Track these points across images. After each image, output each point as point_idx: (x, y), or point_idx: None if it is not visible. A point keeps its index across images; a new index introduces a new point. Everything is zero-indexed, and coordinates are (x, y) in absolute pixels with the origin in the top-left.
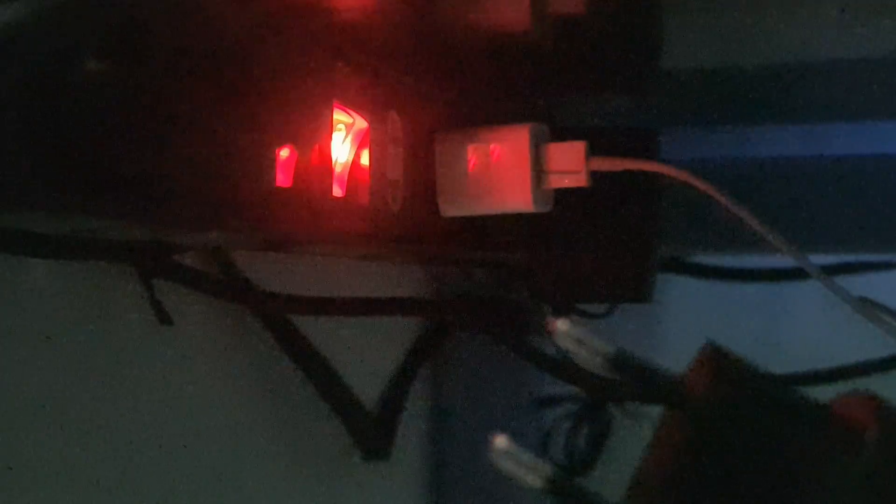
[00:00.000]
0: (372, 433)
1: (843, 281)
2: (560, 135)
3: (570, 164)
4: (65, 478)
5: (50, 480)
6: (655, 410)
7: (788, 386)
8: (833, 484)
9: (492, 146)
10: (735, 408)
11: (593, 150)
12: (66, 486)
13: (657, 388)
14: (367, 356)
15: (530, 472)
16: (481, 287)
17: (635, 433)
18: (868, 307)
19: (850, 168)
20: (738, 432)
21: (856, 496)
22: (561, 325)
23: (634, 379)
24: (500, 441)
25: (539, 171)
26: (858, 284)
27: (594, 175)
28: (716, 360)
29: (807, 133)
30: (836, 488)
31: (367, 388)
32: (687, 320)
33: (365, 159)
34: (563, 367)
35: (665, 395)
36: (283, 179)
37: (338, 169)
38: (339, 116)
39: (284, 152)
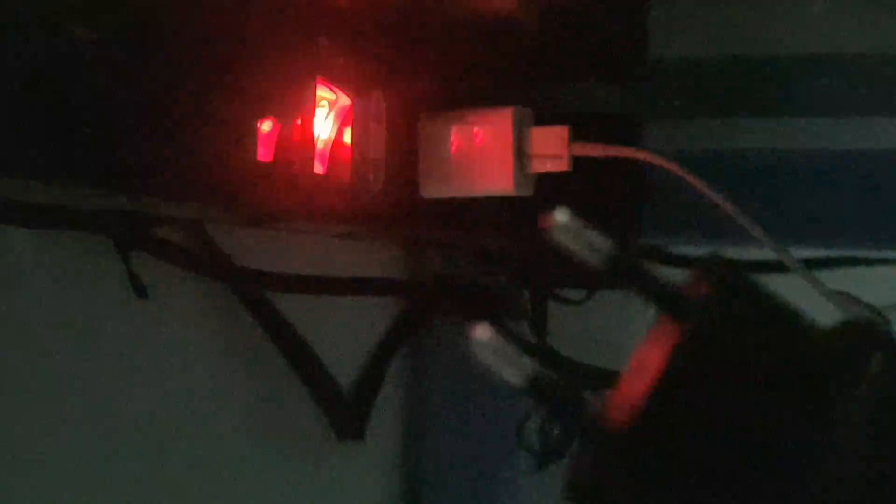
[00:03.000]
0: (347, 413)
1: (824, 275)
2: (544, 119)
3: (552, 148)
4: (39, 447)
5: (25, 449)
6: None
7: (792, 306)
8: (829, 411)
9: (475, 129)
10: (734, 320)
11: (577, 136)
12: (39, 455)
13: (654, 293)
14: (344, 337)
15: (511, 368)
16: (461, 271)
17: None
18: (847, 301)
19: (834, 162)
20: (734, 345)
21: (854, 426)
22: (560, 216)
23: (631, 279)
24: (482, 331)
25: (522, 154)
26: (839, 279)
27: (577, 161)
28: (719, 270)
29: (792, 126)
30: (833, 415)
31: (344, 368)
32: None
33: (347, 137)
34: (542, 351)
35: (661, 301)
36: (264, 154)
37: (320, 146)
38: (323, 93)
39: (266, 126)
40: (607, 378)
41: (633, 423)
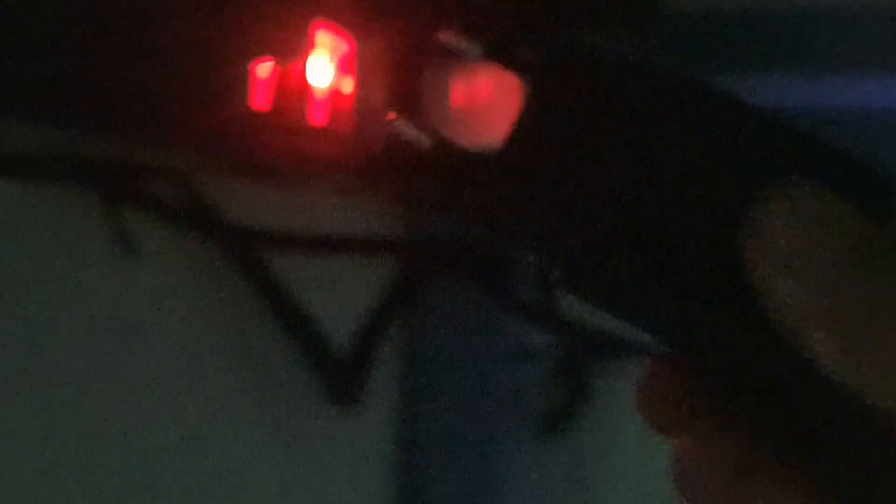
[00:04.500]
0: (341, 377)
1: None
2: None
3: None
4: (26, 405)
5: (11, 405)
6: (633, 368)
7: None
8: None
9: (480, 79)
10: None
11: None
12: (26, 412)
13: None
14: (340, 298)
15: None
16: (464, 231)
17: (614, 391)
18: None
19: (847, 120)
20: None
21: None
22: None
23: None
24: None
25: None
26: None
27: None
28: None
29: (805, 83)
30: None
31: (340, 331)
32: None
33: (348, 86)
34: (544, 316)
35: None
36: (260, 101)
37: (319, 95)
38: (323, 38)
39: (263, 71)
40: (617, 343)
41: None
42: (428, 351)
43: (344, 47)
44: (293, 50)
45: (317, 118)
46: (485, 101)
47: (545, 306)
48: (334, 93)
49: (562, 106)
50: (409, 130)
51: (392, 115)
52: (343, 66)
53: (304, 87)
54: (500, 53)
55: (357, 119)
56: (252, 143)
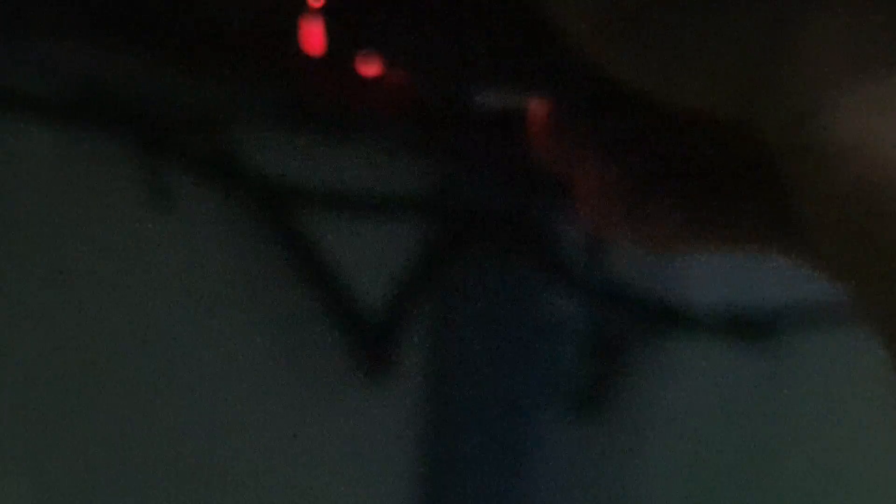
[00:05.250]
0: (374, 346)
1: None
2: None
3: None
4: (55, 342)
5: (40, 341)
6: (669, 342)
7: None
8: None
9: None
10: None
11: None
12: (55, 348)
13: None
14: (374, 261)
15: None
16: (502, 200)
17: (649, 366)
18: None
19: None
20: None
21: None
22: None
23: None
24: None
25: None
26: None
27: None
28: None
29: None
30: None
31: (373, 294)
32: None
33: None
34: (582, 282)
35: None
36: (311, 45)
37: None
38: None
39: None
40: (657, 310)
41: None
42: (460, 321)
43: None
44: None
45: (373, 67)
46: None
47: (581, 277)
48: None
49: None
50: None
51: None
52: None
53: (360, 33)
54: None
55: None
56: (301, 91)
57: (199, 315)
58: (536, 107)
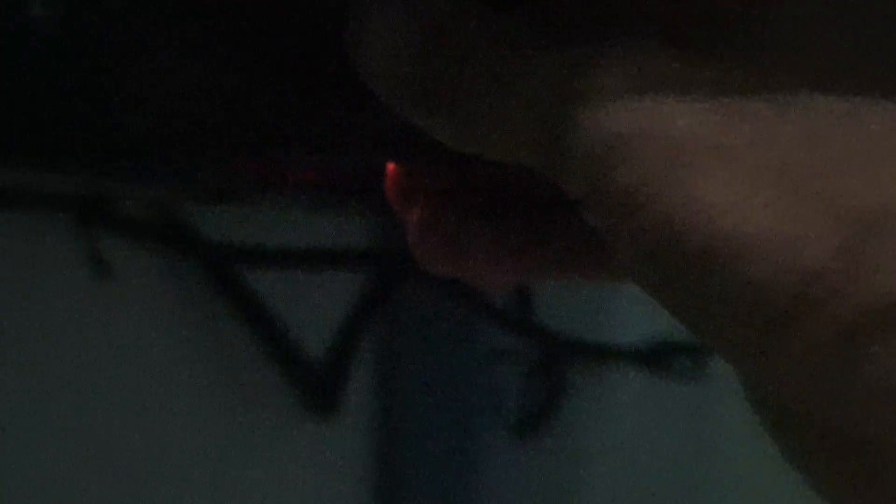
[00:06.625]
0: (319, 387)
1: None
2: None
3: None
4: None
5: None
6: (613, 373)
7: None
8: None
9: None
10: None
11: None
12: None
13: None
14: (315, 310)
15: None
16: None
17: (590, 393)
18: None
19: None
20: None
21: None
22: None
23: None
24: None
25: None
26: None
27: None
28: None
29: None
30: None
31: (316, 342)
32: None
33: None
34: (516, 320)
35: None
36: None
37: None
38: None
39: None
40: (593, 347)
41: None
42: (404, 356)
43: None
44: None
45: None
46: None
47: (520, 311)
48: None
49: None
50: None
51: None
52: None
53: None
54: None
55: None
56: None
57: (146, 374)
58: (391, 168)
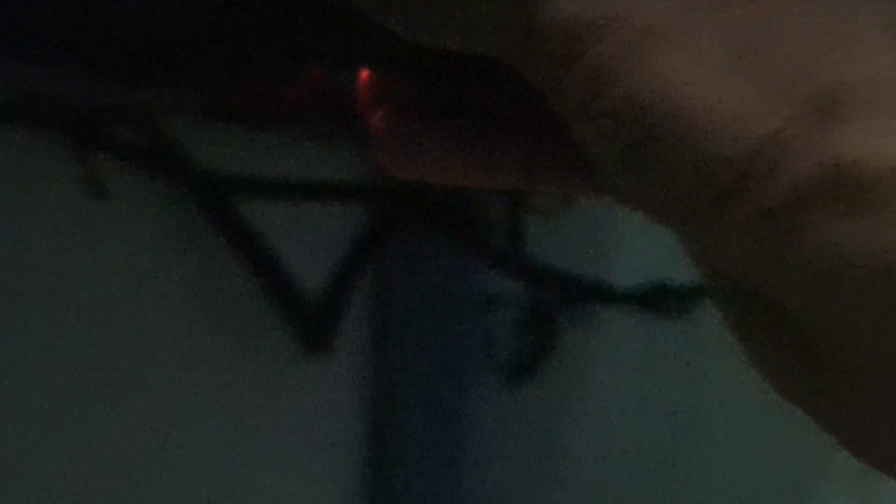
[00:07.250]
0: (314, 325)
1: None
2: None
3: None
4: None
5: None
6: (604, 316)
7: None
8: None
9: None
10: None
11: None
12: None
13: None
14: (311, 245)
15: None
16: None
17: (582, 338)
18: None
19: None
20: None
21: None
22: None
23: None
24: None
25: None
26: None
27: None
28: None
29: None
30: None
31: (311, 279)
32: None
33: None
34: (512, 263)
35: None
36: None
37: None
38: None
39: None
40: (584, 287)
41: None
42: (398, 298)
43: None
44: None
45: None
46: None
47: (514, 253)
48: None
49: None
50: None
51: None
52: None
53: None
54: None
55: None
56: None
57: (139, 302)
58: (363, 76)
